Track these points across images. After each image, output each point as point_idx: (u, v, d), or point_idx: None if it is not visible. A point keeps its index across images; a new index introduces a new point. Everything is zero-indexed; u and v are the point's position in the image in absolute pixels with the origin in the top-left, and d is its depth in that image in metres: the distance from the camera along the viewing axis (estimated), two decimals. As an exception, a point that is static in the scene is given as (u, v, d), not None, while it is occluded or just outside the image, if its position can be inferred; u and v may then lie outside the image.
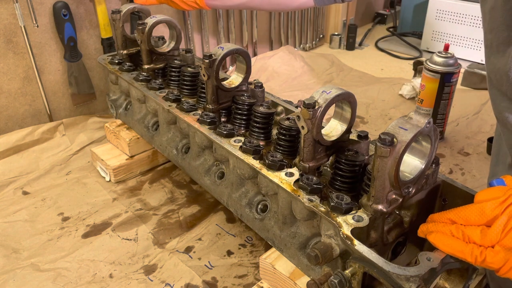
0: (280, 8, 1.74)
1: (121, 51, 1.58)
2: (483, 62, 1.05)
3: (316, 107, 0.87)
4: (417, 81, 2.10)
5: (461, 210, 0.75)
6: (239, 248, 1.27)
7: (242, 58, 1.24)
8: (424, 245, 0.97)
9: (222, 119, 1.27)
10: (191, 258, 1.24)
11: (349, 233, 0.80)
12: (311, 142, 0.91)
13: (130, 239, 1.30)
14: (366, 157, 1.00)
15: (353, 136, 1.02)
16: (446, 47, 1.72)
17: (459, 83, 2.19)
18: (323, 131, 0.94)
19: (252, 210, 1.09)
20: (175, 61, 1.46)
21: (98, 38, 1.95)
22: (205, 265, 1.21)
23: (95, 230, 1.34)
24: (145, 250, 1.27)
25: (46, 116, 1.88)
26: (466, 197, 0.92)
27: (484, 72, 2.19)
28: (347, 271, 0.80)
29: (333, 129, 0.99)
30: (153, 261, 1.23)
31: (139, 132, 1.51)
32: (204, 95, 1.28)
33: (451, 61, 1.63)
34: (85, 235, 1.32)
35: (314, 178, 0.92)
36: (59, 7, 1.74)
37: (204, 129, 1.15)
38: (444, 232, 0.75)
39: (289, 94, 2.20)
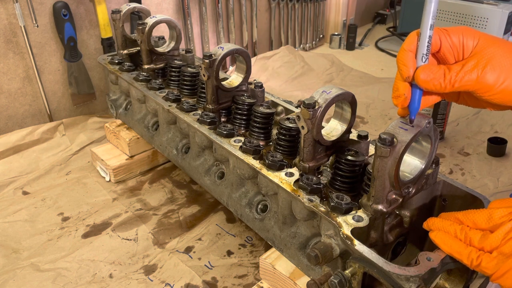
0: None
1: (121, 51, 1.58)
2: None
3: (316, 107, 0.87)
4: (417, 81, 2.09)
5: (471, 212, 0.76)
6: (239, 248, 1.27)
7: (242, 58, 1.24)
8: (424, 245, 0.97)
9: (222, 119, 1.27)
10: (191, 258, 1.24)
11: (349, 233, 0.80)
12: (311, 142, 0.91)
13: (130, 239, 1.30)
14: (366, 157, 1.00)
15: (353, 136, 1.02)
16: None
17: (459, 83, 2.18)
18: (323, 131, 0.94)
19: (252, 210, 1.09)
20: (175, 61, 1.46)
21: (98, 38, 1.95)
22: (205, 265, 1.21)
23: (95, 230, 1.34)
24: (145, 250, 1.27)
25: (46, 116, 1.88)
26: (466, 197, 0.92)
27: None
28: (347, 271, 0.80)
29: (333, 129, 0.99)
30: (153, 261, 1.23)
31: (139, 132, 1.51)
32: (204, 95, 1.28)
33: (451, 61, 1.62)
34: (85, 235, 1.32)
35: (314, 178, 0.92)
36: (59, 7, 1.75)
37: (204, 129, 1.15)
38: (448, 231, 0.75)
39: (289, 94, 2.20)
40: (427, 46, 0.74)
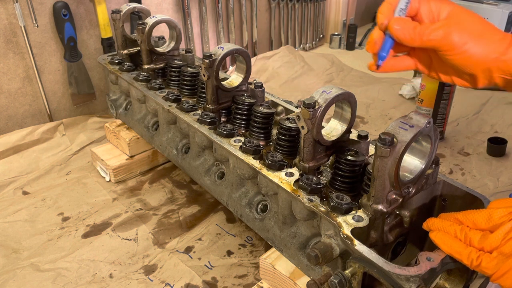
0: None
1: (121, 51, 1.58)
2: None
3: (316, 107, 0.87)
4: (417, 81, 2.10)
5: (470, 212, 0.76)
6: (239, 248, 1.27)
7: (242, 58, 1.24)
8: (424, 245, 0.97)
9: (222, 119, 1.27)
10: (191, 258, 1.24)
11: (349, 233, 0.80)
12: (311, 142, 0.91)
13: (130, 239, 1.30)
14: (366, 157, 1.00)
15: (353, 136, 1.02)
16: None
17: (459, 83, 2.18)
18: (323, 131, 0.94)
19: (252, 210, 1.09)
20: (175, 61, 1.46)
21: (98, 38, 1.95)
22: (205, 265, 1.21)
23: (95, 230, 1.34)
24: (145, 250, 1.27)
25: (46, 116, 1.88)
26: (466, 197, 0.92)
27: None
28: (347, 271, 0.80)
29: (333, 129, 0.99)
30: (153, 261, 1.23)
31: (139, 132, 1.51)
32: (204, 95, 1.28)
33: (451, 61, 1.62)
34: (85, 235, 1.32)
35: (314, 178, 0.92)
36: (59, 7, 1.75)
37: (204, 129, 1.15)
38: (448, 232, 0.76)
39: (289, 94, 2.20)
40: (406, 2, 0.82)
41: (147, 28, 1.41)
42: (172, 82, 1.45)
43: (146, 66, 1.48)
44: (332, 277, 0.81)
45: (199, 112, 1.23)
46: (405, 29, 0.80)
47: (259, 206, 1.09)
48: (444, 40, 0.79)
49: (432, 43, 0.80)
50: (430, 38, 0.79)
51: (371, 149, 1.03)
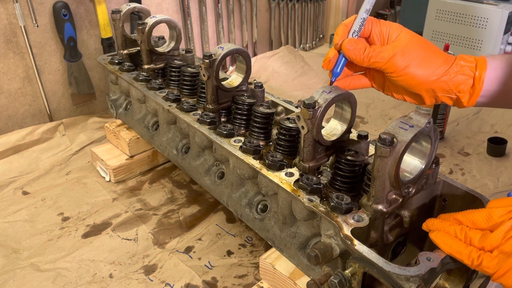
0: None
1: (121, 51, 1.58)
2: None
3: (316, 107, 0.87)
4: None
5: (470, 212, 0.76)
6: (239, 248, 1.27)
7: (242, 58, 1.24)
8: (424, 245, 0.97)
9: (222, 119, 1.27)
10: (191, 258, 1.24)
11: (349, 233, 0.80)
12: (311, 142, 0.91)
13: (130, 239, 1.30)
14: (366, 157, 1.00)
15: (353, 136, 1.02)
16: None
17: (459, 83, 2.18)
18: (323, 131, 0.94)
19: (252, 210, 1.09)
20: (175, 61, 1.46)
21: (98, 38, 1.95)
22: (205, 265, 1.21)
23: (95, 230, 1.34)
24: (145, 250, 1.27)
25: (46, 116, 1.88)
26: (466, 197, 0.92)
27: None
28: (347, 271, 0.80)
29: (333, 129, 0.99)
30: (153, 261, 1.23)
31: (139, 132, 1.51)
32: (204, 95, 1.28)
33: (451, 61, 1.62)
34: (85, 235, 1.32)
35: (314, 178, 0.92)
36: (59, 7, 1.75)
37: (204, 129, 1.15)
38: (448, 232, 0.76)
39: (289, 94, 2.20)
40: (360, 25, 0.89)
41: (147, 28, 1.41)
42: (172, 82, 1.44)
43: (146, 66, 1.48)
44: (332, 277, 0.81)
45: (199, 112, 1.23)
46: (356, 50, 0.87)
47: (259, 206, 1.09)
48: (389, 62, 0.86)
49: (378, 65, 0.87)
50: (376, 60, 0.86)
51: (371, 149, 1.03)
